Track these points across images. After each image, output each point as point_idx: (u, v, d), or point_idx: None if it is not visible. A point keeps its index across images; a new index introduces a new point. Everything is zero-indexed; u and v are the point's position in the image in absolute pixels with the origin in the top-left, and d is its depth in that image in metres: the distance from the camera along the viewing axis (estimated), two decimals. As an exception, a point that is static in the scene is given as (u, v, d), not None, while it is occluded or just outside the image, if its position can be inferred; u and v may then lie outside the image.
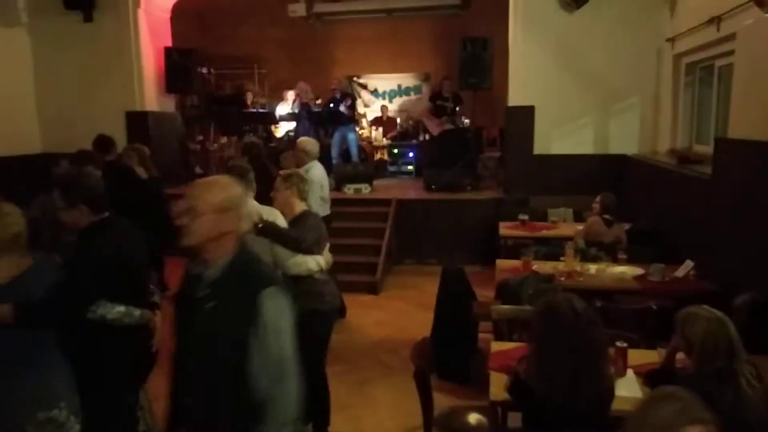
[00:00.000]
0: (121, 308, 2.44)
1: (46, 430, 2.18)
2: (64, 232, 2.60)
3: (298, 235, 3.33)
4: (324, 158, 9.63)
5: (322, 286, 3.46)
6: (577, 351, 2.17)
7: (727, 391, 2.12)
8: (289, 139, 9.69)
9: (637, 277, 4.31)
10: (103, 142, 5.63)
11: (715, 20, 5.16)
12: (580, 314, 2.20)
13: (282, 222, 3.41)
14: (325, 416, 3.61)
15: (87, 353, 2.36)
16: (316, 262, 3.40)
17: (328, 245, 3.57)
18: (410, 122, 11.51)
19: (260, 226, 3.25)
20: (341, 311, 5.68)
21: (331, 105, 9.46)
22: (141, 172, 5.47)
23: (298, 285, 3.29)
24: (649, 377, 2.65)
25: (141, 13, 8.05)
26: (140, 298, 2.58)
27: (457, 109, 9.31)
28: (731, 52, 4.90)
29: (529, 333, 2.43)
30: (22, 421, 2.14)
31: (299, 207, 3.49)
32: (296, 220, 3.46)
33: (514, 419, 2.83)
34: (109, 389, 2.46)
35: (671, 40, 6.57)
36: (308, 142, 5.46)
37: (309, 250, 3.34)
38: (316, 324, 3.41)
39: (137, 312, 2.50)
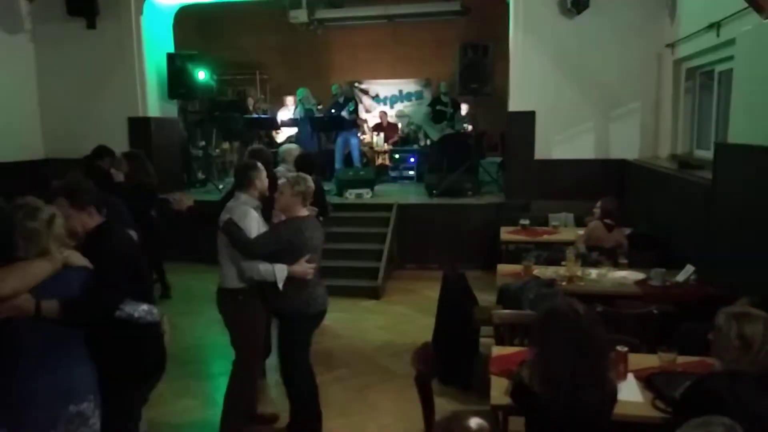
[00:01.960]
0: (145, 306, 2.50)
1: (73, 423, 2.22)
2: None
3: (250, 242, 3.32)
4: (327, 163, 9.77)
5: (311, 288, 3.46)
6: (580, 350, 2.17)
7: (765, 395, 2.10)
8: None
9: (638, 282, 4.32)
10: (95, 151, 5.65)
11: (715, 26, 5.19)
12: (582, 315, 2.21)
13: (252, 225, 3.39)
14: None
15: (111, 351, 2.40)
16: (271, 272, 3.31)
17: (308, 256, 3.39)
18: (411, 127, 11.55)
19: (223, 223, 3.36)
20: None
21: (333, 110, 9.50)
22: (118, 175, 5.37)
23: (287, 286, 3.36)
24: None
25: (143, 20, 8.10)
26: (151, 296, 2.66)
27: (456, 113, 9.35)
28: (731, 58, 4.92)
29: (532, 338, 2.44)
30: (57, 414, 2.18)
31: (301, 213, 3.48)
32: (278, 224, 3.50)
33: (516, 424, 2.84)
34: (127, 387, 2.51)
35: (671, 45, 6.60)
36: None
37: (268, 258, 3.32)
38: (299, 326, 3.49)
39: (156, 310, 2.57)
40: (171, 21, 8.83)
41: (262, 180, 3.58)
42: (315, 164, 5.84)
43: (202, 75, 8.72)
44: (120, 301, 2.41)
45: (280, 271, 3.33)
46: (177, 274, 6.79)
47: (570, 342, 2.18)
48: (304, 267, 3.37)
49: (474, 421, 3.01)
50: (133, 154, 5.45)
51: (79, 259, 2.31)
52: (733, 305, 2.58)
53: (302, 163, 5.62)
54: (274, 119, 10.03)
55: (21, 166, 7.67)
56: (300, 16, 10.26)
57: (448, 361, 4.17)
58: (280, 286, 3.34)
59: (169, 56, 8.44)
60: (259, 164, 3.69)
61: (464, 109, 9.86)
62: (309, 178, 3.56)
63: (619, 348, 2.80)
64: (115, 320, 2.41)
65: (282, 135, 10.13)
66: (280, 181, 3.67)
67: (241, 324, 3.55)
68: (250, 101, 10.87)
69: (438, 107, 9.56)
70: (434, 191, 8.12)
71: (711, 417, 1.53)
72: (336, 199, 7.99)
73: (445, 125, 9.42)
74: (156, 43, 8.39)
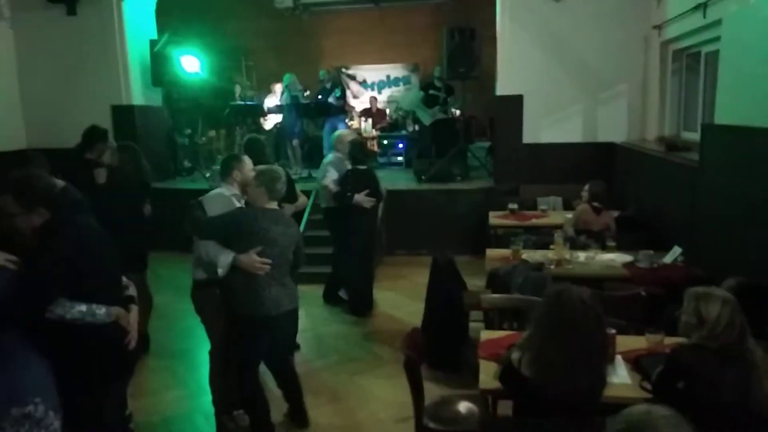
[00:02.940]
0: (82, 307, 2.35)
1: (23, 426, 2.15)
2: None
3: (201, 219, 3.30)
4: (315, 149, 9.71)
5: (260, 289, 3.24)
6: (577, 341, 2.17)
7: (728, 370, 2.18)
8: (278, 132, 9.64)
9: (625, 264, 4.34)
10: (86, 137, 5.28)
11: (701, 7, 5.17)
12: (588, 306, 2.20)
13: (214, 206, 3.39)
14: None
15: (54, 352, 2.31)
16: (214, 254, 3.22)
17: (259, 248, 3.18)
18: (400, 113, 11.49)
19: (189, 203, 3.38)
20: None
21: (320, 96, 9.41)
22: (100, 175, 4.90)
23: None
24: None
25: (125, 6, 7.95)
26: (108, 295, 2.49)
27: (449, 98, 9.30)
28: (717, 39, 4.91)
29: (531, 318, 2.43)
30: None
31: (266, 206, 3.33)
32: (235, 209, 3.41)
33: (505, 407, 2.85)
34: (82, 387, 2.41)
35: (658, 27, 6.59)
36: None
37: (223, 245, 3.24)
38: (235, 327, 3.36)
39: (101, 310, 2.41)
40: (153, 7, 8.66)
41: (243, 171, 3.56)
42: (368, 153, 5.80)
43: (197, 63, 8.62)
44: (46, 302, 2.27)
45: (225, 256, 3.18)
46: (166, 264, 6.74)
47: (569, 329, 2.18)
48: (252, 258, 3.15)
49: (463, 406, 3.05)
50: (124, 147, 5.16)
51: None
52: (721, 285, 2.60)
53: (354, 150, 5.56)
54: (260, 106, 9.93)
55: (1, 157, 7.53)
56: (285, 1, 10.12)
57: (437, 346, 4.18)
58: (220, 271, 3.20)
59: (152, 43, 8.30)
60: (244, 157, 3.68)
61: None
62: (278, 171, 3.39)
63: (607, 330, 2.81)
64: (49, 322, 2.29)
65: (269, 122, 10.03)
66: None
67: (209, 315, 3.53)
68: (238, 88, 10.74)
69: (431, 91, 9.50)
70: (423, 177, 8.10)
71: (651, 407, 1.53)
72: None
73: (437, 110, 9.37)
74: (138, 29, 8.24)
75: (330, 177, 5.54)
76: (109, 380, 2.56)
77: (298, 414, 3.72)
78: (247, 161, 3.65)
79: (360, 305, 5.70)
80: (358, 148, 5.62)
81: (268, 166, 3.53)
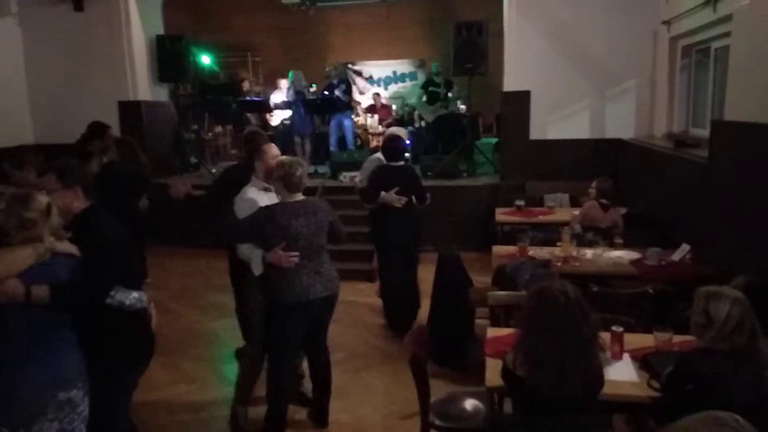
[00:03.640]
0: (135, 294, 2.50)
1: (63, 411, 2.21)
2: None
3: (228, 224, 3.43)
4: (321, 145, 9.70)
5: (291, 276, 3.28)
6: (565, 336, 2.15)
7: (739, 372, 2.15)
8: (284, 128, 9.64)
9: (633, 262, 4.31)
10: (90, 131, 5.23)
11: (711, 2, 5.12)
12: (572, 300, 2.18)
13: (242, 207, 3.44)
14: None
15: (100, 338, 2.40)
16: (247, 255, 3.37)
17: (282, 244, 3.22)
18: (406, 109, 11.46)
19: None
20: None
21: (326, 92, 9.40)
22: (94, 164, 4.94)
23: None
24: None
25: (132, 1, 7.96)
26: (140, 283, 2.67)
27: (449, 94, 9.27)
28: (727, 34, 4.86)
29: (519, 318, 2.42)
30: (46, 401, 2.17)
31: (286, 198, 3.35)
32: (258, 209, 3.37)
33: (511, 405, 2.84)
34: (118, 373, 2.52)
35: (667, 22, 6.52)
36: None
37: (243, 241, 3.39)
38: (271, 317, 3.42)
39: (145, 296, 2.57)
40: (160, 2, 8.67)
41: (264, 160, 3.56)
42: (403, 150, 5.29)
43: (206, 60, 8.61)
44: (111, 288, 2.40)
45: (255, 257, 3.32)
46: (173, 259, 6.77)
47: (555, 325, 2.16)
48: (278, 254, 3.22)
49: (469, 403, 3.04)
50: (121, 141, 5.20)
51: (67, 247, 2.29)
52: (730, 283, 2.57)
53: (385, 147, 5.21)
54: (266, 102, 9.93)
55: (10, 152, 7.54)
56: (291, -4, 10.11)
57: (443, 343, 4.16)
58: (256, 271, 3.33)
59: (159, 38, 8.31)
60: (265, 146, 3.66)
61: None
62: (293, 164, 3.33)
63: (614, 328, 2.80)
64: (105, 307, 2.39)
65: (276, 118, 10.03)
66: None
67: (252, 301, 3.61)
68: (245, 84, 10.74)
69: (431, 88, 9.48)
70: (429, 173, 8.08)
71: (719, 413, 1.49)
72: (330, 182, 7.94)
73: (438, 106, 9.35)
74: (145, 25, 8.25)
75: (362, 174, 5.30)
76: (140, 363, 2.67)
77: (318, 413, 3.71)
78: (269, 150, 3.61)
79: (394, 319, 5.17)
80: (389, 143, 5.18)
81: (287, 158, 3.47)
